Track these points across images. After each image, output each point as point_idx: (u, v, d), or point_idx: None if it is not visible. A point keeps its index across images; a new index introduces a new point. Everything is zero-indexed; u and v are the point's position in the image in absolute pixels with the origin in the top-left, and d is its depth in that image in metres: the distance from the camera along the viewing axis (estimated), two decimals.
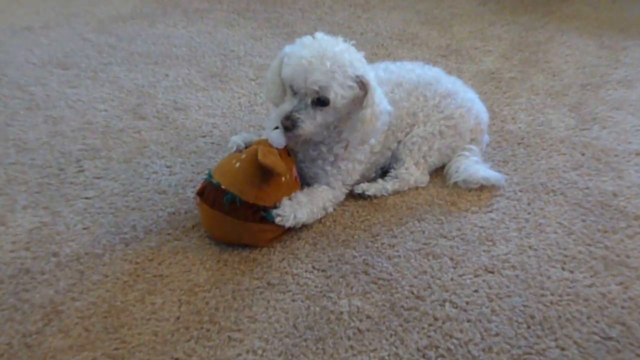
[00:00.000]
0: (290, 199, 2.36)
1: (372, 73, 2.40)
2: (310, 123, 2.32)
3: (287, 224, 2.32)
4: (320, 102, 2.30)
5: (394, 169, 2.72)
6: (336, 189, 2.55)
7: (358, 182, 2.66)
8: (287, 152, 2.41)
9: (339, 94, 2.29)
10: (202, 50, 4.00)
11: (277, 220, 2.30)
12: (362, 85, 2.34)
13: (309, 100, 2.30)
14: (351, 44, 2.38)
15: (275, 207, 2.30)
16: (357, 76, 2.32)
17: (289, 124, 2.30)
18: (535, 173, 2.84)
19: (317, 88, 2.26)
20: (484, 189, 2.72)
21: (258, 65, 3.81)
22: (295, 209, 2.35)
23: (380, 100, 2.40)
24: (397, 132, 2.70)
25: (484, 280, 2.26)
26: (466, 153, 2.80)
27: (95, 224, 2.47)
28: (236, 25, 4.37)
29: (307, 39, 2.35)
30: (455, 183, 2.74)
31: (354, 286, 2.23)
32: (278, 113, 2.36)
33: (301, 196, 2.41)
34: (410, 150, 2.71)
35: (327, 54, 2.28)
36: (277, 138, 2.36)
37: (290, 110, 2.31)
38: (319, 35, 2.37)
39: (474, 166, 2.77)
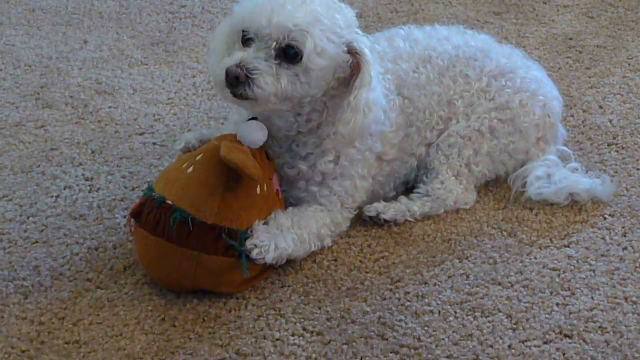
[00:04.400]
0: (266, 222, 2.38)
1: (368, 44, 2.42)
2: (272, 82, 2.29)
3: (268, 259, 2.33)
4: (289, 55, 2.30)
5: (424, 183, 2.75)
6: (333, 211, 2.57)
7: (369, 202, 2.69)
8: (266, 154, 2.43)
9: (318, 46, 2.29)
10: (137, 5, 4.01)
11: (254, 253, 2.31)
12: (353, 55, 2.36)
13: (273, 47, 2.29)
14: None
15: (245, 233, 2.32)
16: (347, 39, 2.35)
17: (240, 74, 2.27)
18: (633, 188, 2.86)
19: (290, 27, 2.26)
20: (556, 213, 2.74)
21: None
22: (274, 235, 2.36)
23: (375, 83, 2.41)
24: (424, 129, 2.72)
25: (557, 349, 2.27)
26: (551, 157, 2.84)
27: None
28: None
29: None
30: (527, 199, 2.78)
31: (364, 357, 2.25)
32: (223, 64, 2.32)
33: (282, 217, 2.42)
34: (447, 156, 2.73)
35: None
36: (251, 132, 2.37)
37: (243, 57, 2.29)
38: None
39: (572, 175, 2.80)
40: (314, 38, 2.28)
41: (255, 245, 2.30)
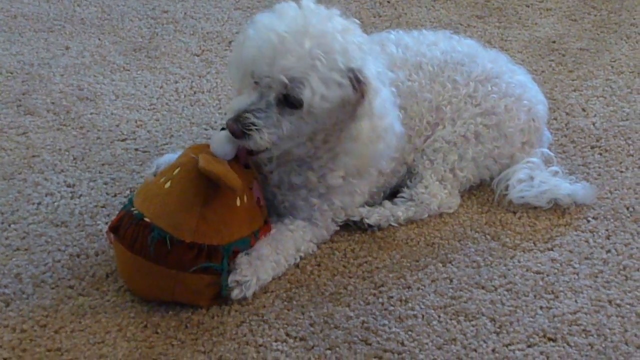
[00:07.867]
0: (247, 253, 2.37)
1: (375, 66, 2.40)
2: (270, 134, 2.31)
3: (249, 294, 2.35)
4: (290, 102, 2.30)
5: (408, 187, 2.75)
6: (320, 226, 2.58)
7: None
8: (244, 163, 2.42)
9: (317, 93, 2.27)
10: (119, 11, 4.01)
11: (234, 293, 2.32)
12: (358, 84, 2.34)
13: (273, 98, 2.31)
14: (356, 21, 2.42)
15: (227, 247, 2.31)
16: (351, 69, 2.32)
17: (237, 129, 2.30)
18: (617, 191, 2.87)
19: (285, 79, 2.26)
20: (540, 216, 2.75)
21: (204, 33, 3.82)
22: (256, 267, 2.37)
23: (384, 111, 2.40)
24: (414, 137, 2.72)
25: (541, 352, 2.28)
26: (533, 160, 2.84)
27: None
28: None
29: (289, 7, 2.37)
30: (510, 203, 2.79)
31: None
32: (228, 108, 2.36)
33: (264, 246, 2.42)
34: (431, 160, 2.74)
35: (310, 30, 2.29)
36: (222, 144, 2.35)
37: (244, 109, 2.32)
38: (308, 3, 2.37)
39: (552, 179, 2.81)
40: (312, 85, 2.27)
41: (238, 282, 2.32)
